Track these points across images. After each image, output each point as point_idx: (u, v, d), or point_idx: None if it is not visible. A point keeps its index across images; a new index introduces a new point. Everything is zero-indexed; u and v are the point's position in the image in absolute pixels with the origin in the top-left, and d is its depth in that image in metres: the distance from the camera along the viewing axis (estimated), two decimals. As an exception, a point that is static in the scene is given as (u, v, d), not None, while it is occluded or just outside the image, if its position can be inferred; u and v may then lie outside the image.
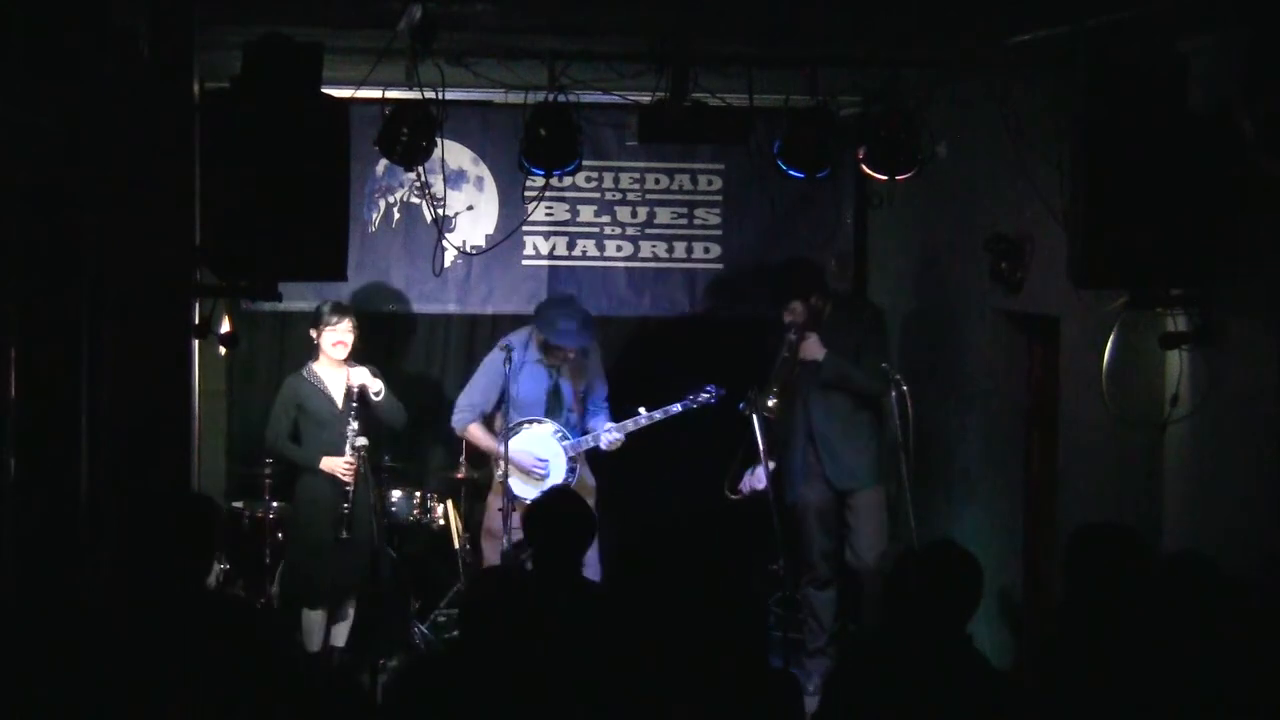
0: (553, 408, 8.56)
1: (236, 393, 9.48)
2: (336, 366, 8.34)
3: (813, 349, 8.27)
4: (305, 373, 8.39)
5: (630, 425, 8.58)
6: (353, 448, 8.12)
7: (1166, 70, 6.05)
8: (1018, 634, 7.91)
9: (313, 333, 8.38)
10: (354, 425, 8.14)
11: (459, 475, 8.96)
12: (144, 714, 4.70)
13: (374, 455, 8.27)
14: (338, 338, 8.28)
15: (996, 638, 7.66)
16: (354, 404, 8.19)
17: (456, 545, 8.82)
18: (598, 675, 5.07)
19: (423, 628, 8.72)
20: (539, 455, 8.48)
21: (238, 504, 8.74)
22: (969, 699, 4.78)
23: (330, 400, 8.30)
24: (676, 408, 8.60)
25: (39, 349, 5.33)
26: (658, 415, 8.58)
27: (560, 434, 8.51)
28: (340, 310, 8.34)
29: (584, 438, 8.53)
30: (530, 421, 8.49)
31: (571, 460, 8.51)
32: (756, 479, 8.31)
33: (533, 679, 4.90)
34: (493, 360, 8.57)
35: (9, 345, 5.13)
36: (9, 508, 5.16)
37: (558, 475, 8.49)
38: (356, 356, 8.39)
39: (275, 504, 8.62)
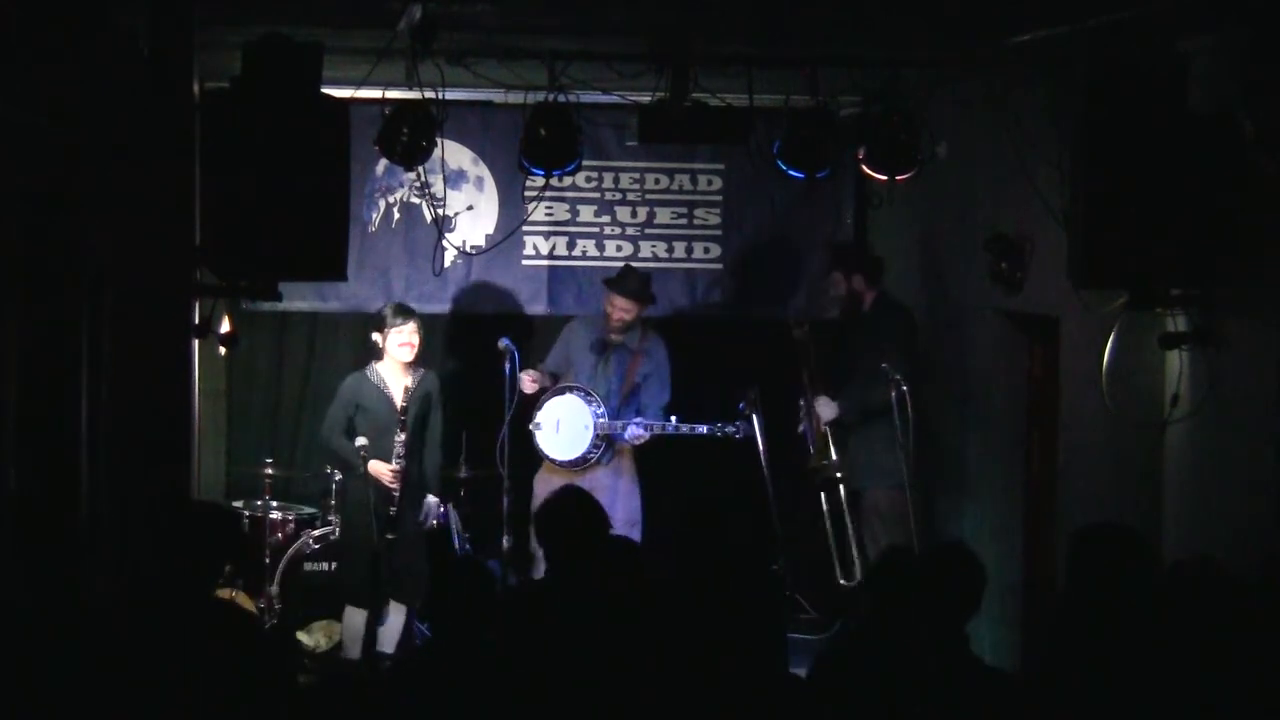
0: (598, 383, 8.67)
1: (236, 393, 9.48)
2: (401, 369, 8.30)
3: (826, 412, 8.37)
4: (368, 372, 8.33)
5: (655, 427, 8.63)
6: (397, 457, 8.11)
7: (1166, 70, 6.05)
8: (1018, 634, 7.91)
9: (376, 336, 8.32)
10: (401, 436, 8.10)
11: (459, 475, 8.96)
12: (144, 714, 4.70)
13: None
14: (403, 340, 8.24)
15: (996, 637, 7.66)
16: (403, 417, 8.12)
17: (456, 545, 8.82)
18: (601, 675, 5.08)
19: (423, 628, 8.71)
20: (559, 419, 8.59)
21: (237, 504, 8.74)
22: (965, 698, 4.79)
23: (391, 403, 8.23)
24: (702, 429, 8.64)
25: (39, 349, 5.33)
26: (684, 429, 8.64)
27: (597, 410, 8.60)
28: (404, 312, 8.32)
29: (612, 421, 8.61)
30: (575, 389, 8.63)
31: (599, 438, 8.57)
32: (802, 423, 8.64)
33: (507, 673, 4.91)
34: (564, 331, 8.87)
35: (9, 345, 5.12)
36: (9, 508, 5.15)
37: (578, 442, 8.58)
38: (421, 360, 8.41)
39: (275, 504, 8.64)
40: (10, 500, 5.14)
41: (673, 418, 8.65)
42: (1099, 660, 4.88)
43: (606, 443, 8.63)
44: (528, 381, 8.59)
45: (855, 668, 4.99)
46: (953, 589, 4.90)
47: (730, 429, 8.59)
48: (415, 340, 8.30)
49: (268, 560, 8.48)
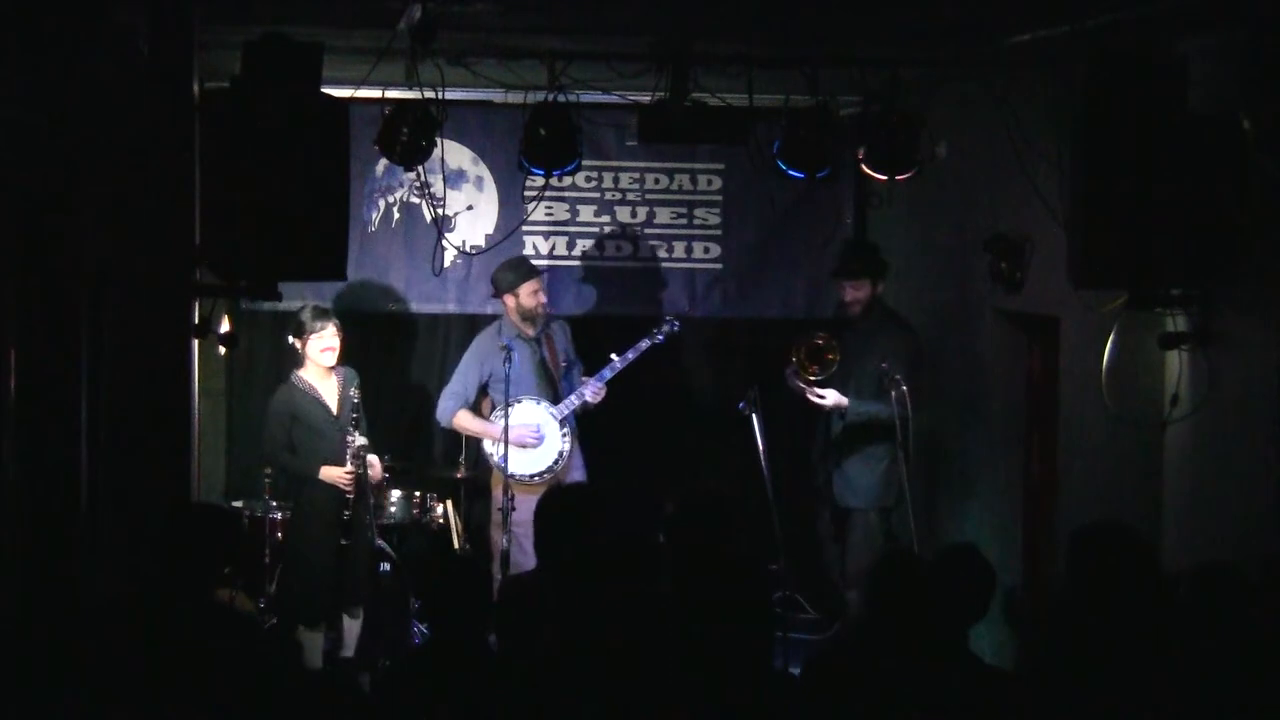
0: (542, 381, 8.63)
1: (236, 393, 9.48)
2: (325, 373, 8.24)
3: (832, 397, 8.15)
4: (295, 381, 8.24)
5: (607, 373, 8.64)
6: (353, 456, 8.06)
7: (1166, 70, 6.05)
8: (1018, 634, 7.91)
9: (296, 341, 8.23)
10: (354, 433, 8.04)
11: (459, 475, 8.96)
12: (144, 714, 4.70)
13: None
14: (325, 344, 8.15)
15: (996, 638, 7.66)
16: (354, 414, 8.07)
17: (456, 545, 8.82)
18: (597, 675, 5.08)
19: (423, 628, 8.71)
20: (530, 423, 8.55)
21: (237, 504, 8.73)
22: (965, 698, 4.79)
23: (324, 407, 8.19)
24: (645, 343, 8.67)
25: (39, 349, 5.33)
26: (630, 355, 8.65)
27: (546, 404, 8.59)
28: (323, 315, 8.22)
29: (569, 398, 8.61)
30: (517, 399, 8.52)
31: (564, 428, 8.57)
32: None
33: (507, 673, 4.91)
34: (476, 346, 8.68)
35: (9, 345, 5.12)
36: (9, 508, 5.16)
37: (554, 442, 8.56)
38: (346, 357, 8.29)
39: (275, 504, 8.63)
40: (10, 500, 5.14)
41: (612, 355, 8.65)
42: (1097, 659, 4.88)
43: (571, 431, 8.62)
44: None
45: (855, 667, 4.99)
46: (960, 591, 4.90)
47: (665, 326, 8.67)
48: (336, 344, 8.18)
49: (267, 560, 8.48)
